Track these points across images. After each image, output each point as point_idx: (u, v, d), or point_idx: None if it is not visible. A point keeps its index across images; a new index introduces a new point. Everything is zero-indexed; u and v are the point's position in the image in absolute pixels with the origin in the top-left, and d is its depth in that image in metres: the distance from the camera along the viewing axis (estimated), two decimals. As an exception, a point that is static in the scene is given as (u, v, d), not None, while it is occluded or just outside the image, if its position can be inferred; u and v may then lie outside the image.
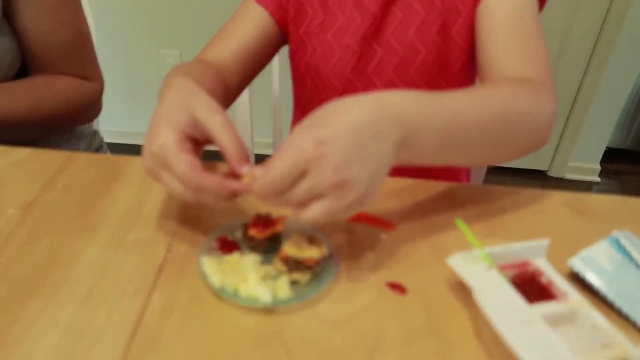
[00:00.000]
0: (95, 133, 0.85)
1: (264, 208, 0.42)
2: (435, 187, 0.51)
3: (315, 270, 0.38)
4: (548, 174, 2.33)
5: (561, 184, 2.30)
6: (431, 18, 0.57)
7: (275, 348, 0.33)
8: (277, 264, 0.38)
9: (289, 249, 0.37)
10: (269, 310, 0.36)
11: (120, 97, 1.87)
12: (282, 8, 0.60)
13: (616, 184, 2.47)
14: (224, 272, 0.37)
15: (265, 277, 0.37)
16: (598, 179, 2.39)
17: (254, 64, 0.61)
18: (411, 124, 0.37)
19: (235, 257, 0.39)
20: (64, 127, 0.76)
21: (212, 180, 0.36)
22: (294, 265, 0.37)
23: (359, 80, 0.61)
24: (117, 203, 0.46)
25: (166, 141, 0.36)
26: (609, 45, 1.99)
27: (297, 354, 0.33)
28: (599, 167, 2.38)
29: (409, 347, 0.34)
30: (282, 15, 0.61)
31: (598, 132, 2.28)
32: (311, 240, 0.38)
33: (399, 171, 0.43)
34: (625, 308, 0.37)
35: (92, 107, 0.76)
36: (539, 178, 2.31)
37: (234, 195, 0.37)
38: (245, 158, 0.38)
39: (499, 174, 2.28)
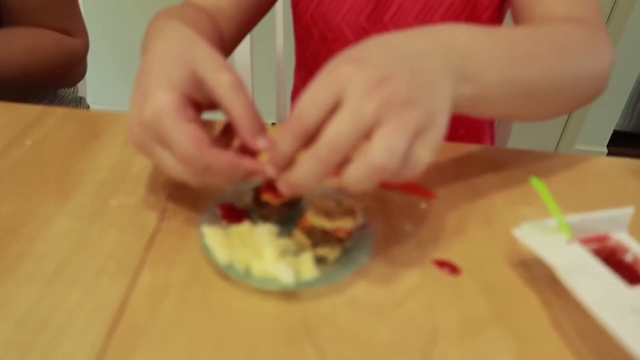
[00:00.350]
0: (81, 100, 0.76)
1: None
2: (471, 150, 0.44)
3: (346, 244, 0.30)
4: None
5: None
6: None
7: (301, 343, 0.26)
8: (299, 236, 0.30)
9: (313, 217, 0.29)
10: (290, 294, 0.28)
11: (111, 71, 1.76)
12: None
13: (623, 168, 2.41)
14: (231, 245, 0.29)
15: (284, 253, 0.29)
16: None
17: (253, 11, 0.52)
18: (464, 49, 0.30)
19: (245, 227, 0.31)
20: (43, 86, 0.67)
21: (223, 159, 0.27)
22: (321, 237, 0.29)
23: (374, 30, 0.52)
24: (98, 162, 0.38)
25: (162, 106, 0.27)
26: (619, 28, 1.93)
27: (330, 350, 0.25)
28: (605, 150, 2.32)
29: (472, 341, 0.26)
30: None
31: (606, 115, 2.22)
32: (340, 206, 0.30)
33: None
34: None
35: (75, 65, 0.67)
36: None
37: (248, 176, 0.29)
38: (261, 129, 0.29)
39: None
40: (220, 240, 0.29)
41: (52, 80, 0.66)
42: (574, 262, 0.28)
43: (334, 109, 0.25)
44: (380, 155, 0.24)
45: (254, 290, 0.28)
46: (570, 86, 0.38)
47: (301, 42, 0.59)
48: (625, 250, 0.31)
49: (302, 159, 0.26)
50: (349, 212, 0.30)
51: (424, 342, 0.26)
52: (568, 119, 2.17)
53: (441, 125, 0.27)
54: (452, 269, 0.31)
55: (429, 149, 0.26)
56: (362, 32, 0.53)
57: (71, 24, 0.65)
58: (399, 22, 0.52)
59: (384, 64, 0.26)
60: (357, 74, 0.25)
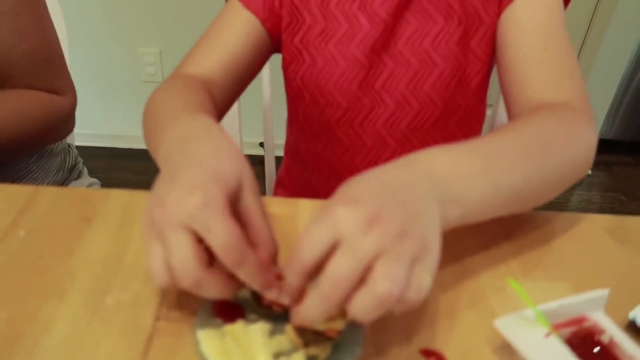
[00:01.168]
0: (69, 148, 0.77)
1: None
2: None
3: (337, 340, 0.31)
4: (539, 167, 2.31)
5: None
6: (450, 26, 0.50)
7: None
8: (291, 335, 0.31)
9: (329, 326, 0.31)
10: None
11: (96, 97, 1.76)
12: (274, 14, 0.53)
13: (606, 176, 2.46)
14: (227, 352, 0.30)
15: (278, 354, 0.30)
16: (588, 172, 2.38)
17: (243, 77, 0.53)
18: (446, 175, 0.32)
19: (239, 326, 0.32)
20: (32, 149, 0.68)
21: (256, 267, 0.29)
22: (312, 337, 0.31)
23: (366, 96, 0.54)
24: (91, 253, 0.39)
25: (214, 198, 0.28)
26: (596, 43, 1.98)
27: None
28: (589, 158, 2.36)
29: None
30: (274, 23, 0.53)
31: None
32: None
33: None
34: None
35: (63, 124, 0.68)
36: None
37: (266, 287, 0.30)
38: (275, 259, 0.31)
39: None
40: (216, 347, 0.30)
41: (42, 142, 0.67)
42: (549, 356, 0.29)
43: (332, 247, 0.27)
44: (382, 284, 0.26)
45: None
46: (555, 181, 0.40)
47: (292, 101, 0.61)
48: (601, 331, 0.33)
49: (308, 296, 0.28)
50: (340, 312, 0.31)
51: None
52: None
53: (435, 250, 0.29)
54: (438, 358, 0.33)
55: (428, 274, 0.28)
56: (355, 99, 0.54)
57: (58, 82, 0.65)
58: (391, 90, 0.54)
59: (374, 201, 0.27)
60: (351, 213, 0.27)
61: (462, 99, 0.54)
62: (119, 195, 0.45)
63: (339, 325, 0.30)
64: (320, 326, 0.30)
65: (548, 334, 0.31)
